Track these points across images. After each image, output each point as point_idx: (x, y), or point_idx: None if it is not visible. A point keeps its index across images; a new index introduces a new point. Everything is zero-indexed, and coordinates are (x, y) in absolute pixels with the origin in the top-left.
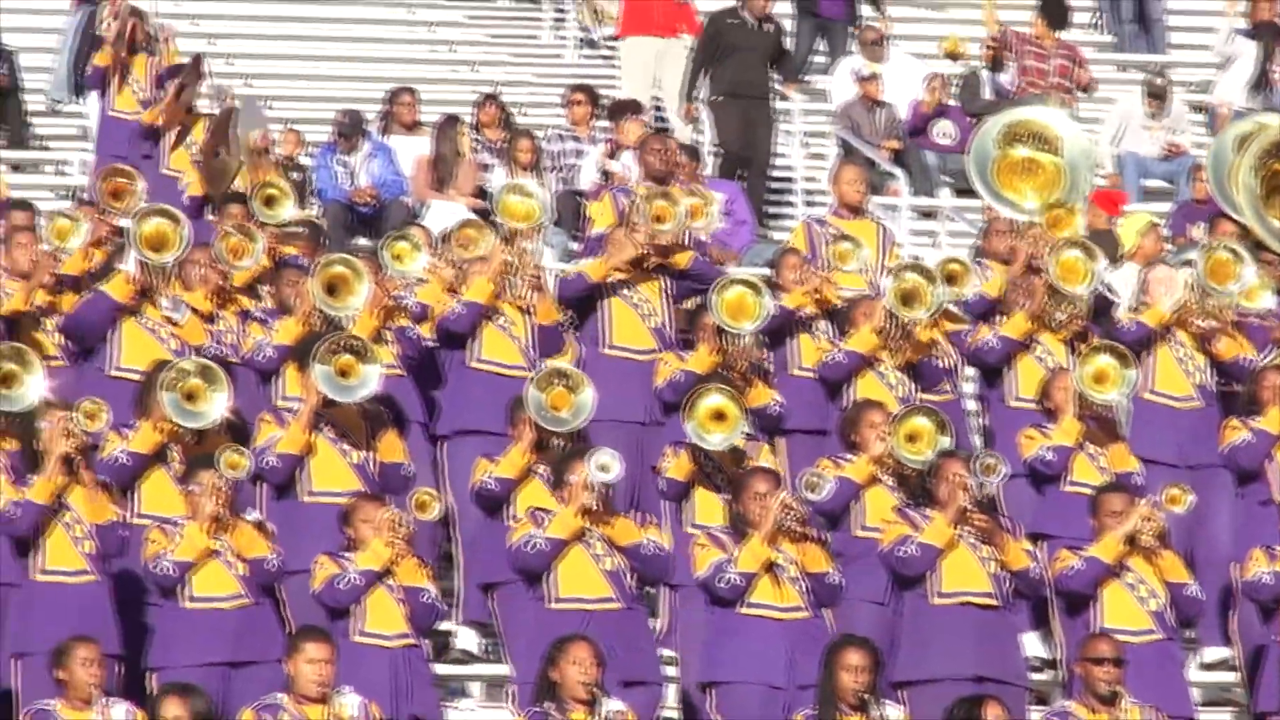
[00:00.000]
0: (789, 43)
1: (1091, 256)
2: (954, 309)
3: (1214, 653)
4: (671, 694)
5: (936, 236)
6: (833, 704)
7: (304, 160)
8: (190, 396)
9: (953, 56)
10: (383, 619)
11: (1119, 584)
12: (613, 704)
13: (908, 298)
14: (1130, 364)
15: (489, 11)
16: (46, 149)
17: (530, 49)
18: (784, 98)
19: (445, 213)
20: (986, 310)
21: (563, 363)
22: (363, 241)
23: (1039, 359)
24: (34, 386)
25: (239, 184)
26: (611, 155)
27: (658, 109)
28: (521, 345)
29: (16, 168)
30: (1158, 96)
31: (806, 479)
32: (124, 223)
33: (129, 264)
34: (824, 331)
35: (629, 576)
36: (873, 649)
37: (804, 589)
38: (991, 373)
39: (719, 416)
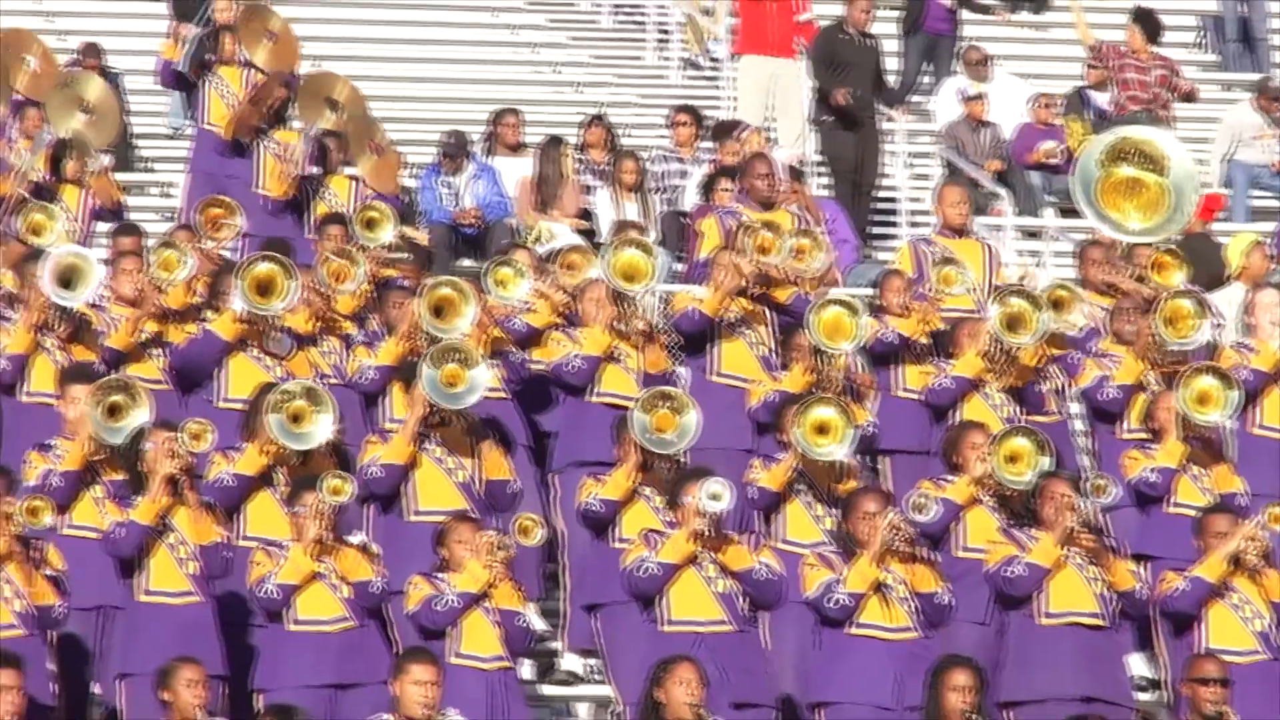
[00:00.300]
0: (890, 63)
1: (1202, 311)
2: (1062, 333)
3: None
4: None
5: (1041, 256)
6: None
7: (408, 182)
8: (296, 418)
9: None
10: (479, 641)
11: (1224, 604)
12: None
13: (1013, 323)
14: (1233, 385)
15: (593, 33)
16: (152, 171)
17: (634, 70)
18: (889, 119)
19: (556, 234)
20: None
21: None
22: (467, 263)
23: (1150, 393)
24: (139, 418)
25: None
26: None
27: (769, 129)
28: (638, 377)
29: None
30: (1275, 98)
31: (914, 500)
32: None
33: (236, 302)
34: (927, 353)
35: (741, 599)
36: (978, 669)
37: (913, 609)
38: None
39: (822, 430)
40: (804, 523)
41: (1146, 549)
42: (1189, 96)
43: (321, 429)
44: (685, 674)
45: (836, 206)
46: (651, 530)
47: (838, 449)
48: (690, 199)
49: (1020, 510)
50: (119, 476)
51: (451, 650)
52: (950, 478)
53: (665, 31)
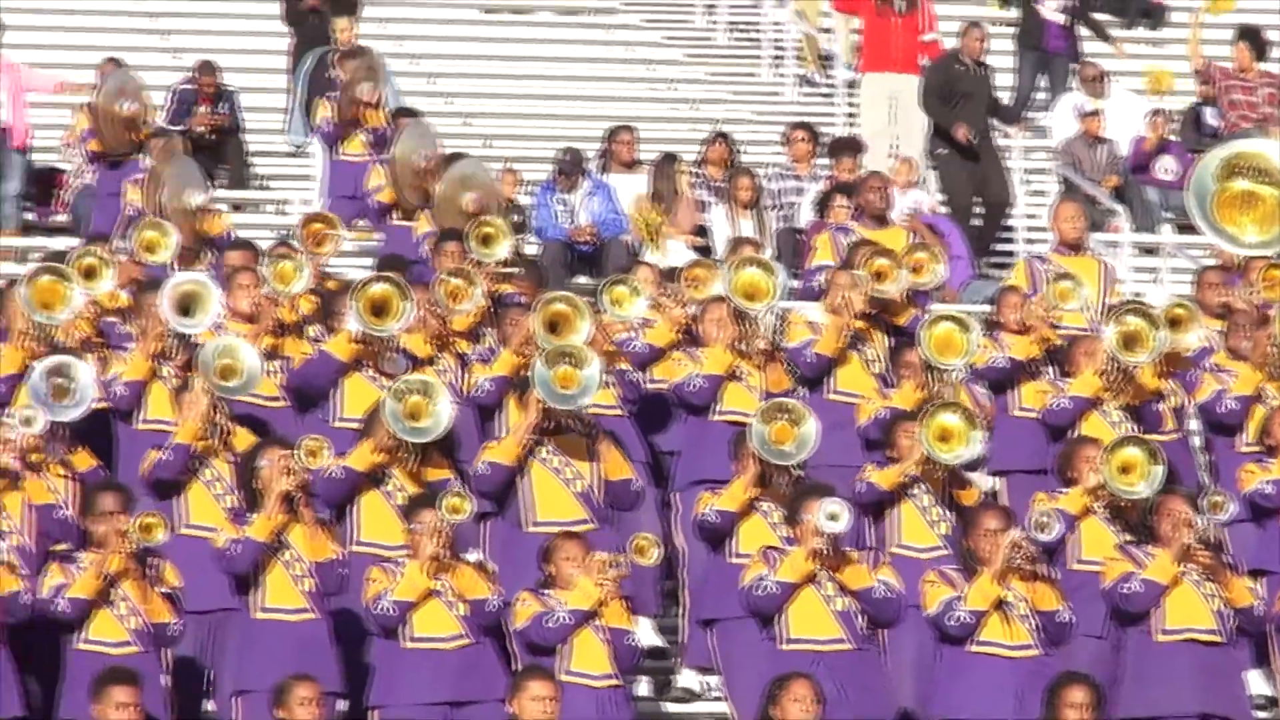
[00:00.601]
0: (1004, 79)
1: None
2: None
3: None
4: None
5: (1158, 273)
6: None
7: (522, 199)
8: (413, 415)
9: (1157, 92)
10: (589, 659)
11: None
12: None
13: (1129, 341)
14: None
15: (708, 50)
16: (266, 188)
17: (749, 87)
18: (1005, 134)
19: (671, 251)
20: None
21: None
22: (582, 280)
23: (1267, 406)
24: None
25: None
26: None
27: (893, 146)
28: (761, 396)
29: (238, 207)
30: None
31: (1036, 519)
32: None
33: (351, 323)
34: (1045, 372)
35: (860, 617)
36: (1095, 685)
37: (1033, 627)
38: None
39: (944, 437)
40: (919, 527)
41: (1263, 563)
42: None
43: (438, 421)
44: (800, 691)
45: (950, 223)
46: (770, 548)
47: (965, 451)
48: (805, 215)
49: (1137, 526)
50: (225, 466)
51: (561, 668)
52: (1064, 490)
53: (780, 48)
